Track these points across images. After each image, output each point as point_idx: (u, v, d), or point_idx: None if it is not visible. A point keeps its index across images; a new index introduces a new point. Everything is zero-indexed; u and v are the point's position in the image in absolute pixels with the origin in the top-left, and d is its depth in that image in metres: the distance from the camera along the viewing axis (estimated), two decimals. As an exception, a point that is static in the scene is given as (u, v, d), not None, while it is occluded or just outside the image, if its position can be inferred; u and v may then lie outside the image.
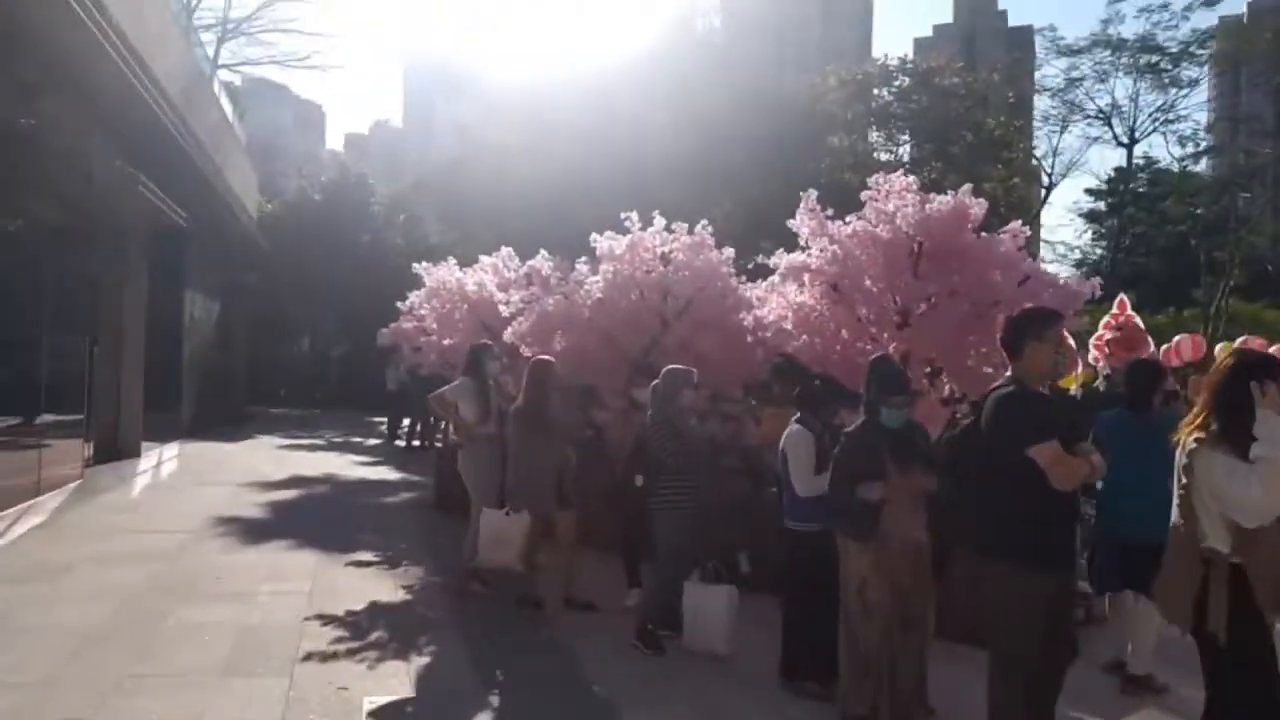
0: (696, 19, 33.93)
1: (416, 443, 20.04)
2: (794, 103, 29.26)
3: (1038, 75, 31.22)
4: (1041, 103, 31.97)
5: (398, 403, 21.87)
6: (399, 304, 13.61)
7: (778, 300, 8.41)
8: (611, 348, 9.28)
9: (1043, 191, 31.19)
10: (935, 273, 7.71)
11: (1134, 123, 31.12)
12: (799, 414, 6.23)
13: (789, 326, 8.15)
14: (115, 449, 15.31)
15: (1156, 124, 31.48)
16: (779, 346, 8.21)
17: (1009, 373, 4.57)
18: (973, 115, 28.81)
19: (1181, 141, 32.98)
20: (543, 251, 9.85)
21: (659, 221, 9.53)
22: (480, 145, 31.73)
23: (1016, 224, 8.34)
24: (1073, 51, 30.16)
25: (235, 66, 37.56)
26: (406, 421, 22.19)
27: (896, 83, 29.15)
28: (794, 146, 29.21)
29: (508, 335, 9.50)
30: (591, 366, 9.21)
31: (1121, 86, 29.93)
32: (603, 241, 9.51)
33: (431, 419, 20.80)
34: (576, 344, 9.22)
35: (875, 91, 28.79)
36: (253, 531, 10.25)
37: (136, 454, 15.93)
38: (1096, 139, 31.79)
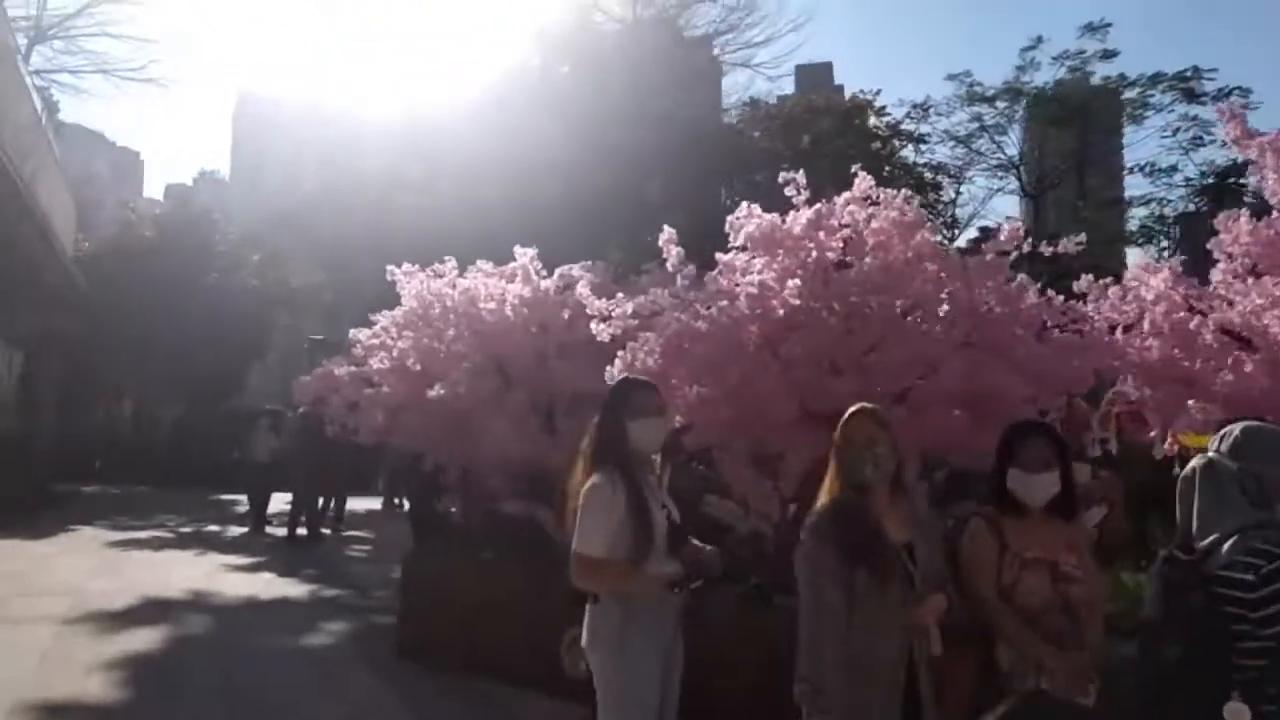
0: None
1: (302, 531, 14.83)
2: (710, 137, 26.20)
3: (946, 124, 28.99)
4: (939, 151, 29.94)
5: (269, 478, 16.55)
6: (371, 321, 8.73)
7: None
8: (792, 391, 5.13)
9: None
10: None
11: (1039, 173, 29.63)
12: None
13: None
14: None
15: (1062, 175, 30.07)
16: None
17: None
18: (897, 157, 26.42)
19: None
20: (668, 229, 5.60)
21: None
22: (354, 176, 26.79)
23: None
24: (984, 99, 28.26)
25: (51, 73, 30.65)
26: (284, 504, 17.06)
27: (819, 124, 26.39)
28: (714, 182, 26.05)
29: (616, 370, 5.15)
30: (770, 421, 5.07)
31: (1030, 135, 28.69)
32: (756, 219, 5.40)
33: (323, 500, 15.71)
34: (744, 384, 5.01)
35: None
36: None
37: (-109, 567, 10.34)
38: (998, 190, 30.19)
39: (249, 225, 32.72)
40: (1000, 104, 28.92)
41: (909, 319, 5.34)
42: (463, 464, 8.96)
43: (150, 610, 9.23)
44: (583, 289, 5.64)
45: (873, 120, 27.11)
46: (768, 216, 5.49)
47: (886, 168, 26.09)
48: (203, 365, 26.52)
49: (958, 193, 27.88)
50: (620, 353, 5.18)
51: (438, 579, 7.79)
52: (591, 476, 3.58)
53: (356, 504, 18.61)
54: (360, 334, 8.91)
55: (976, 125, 29.04)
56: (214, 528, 16.60)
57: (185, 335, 25.53)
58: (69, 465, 23.85)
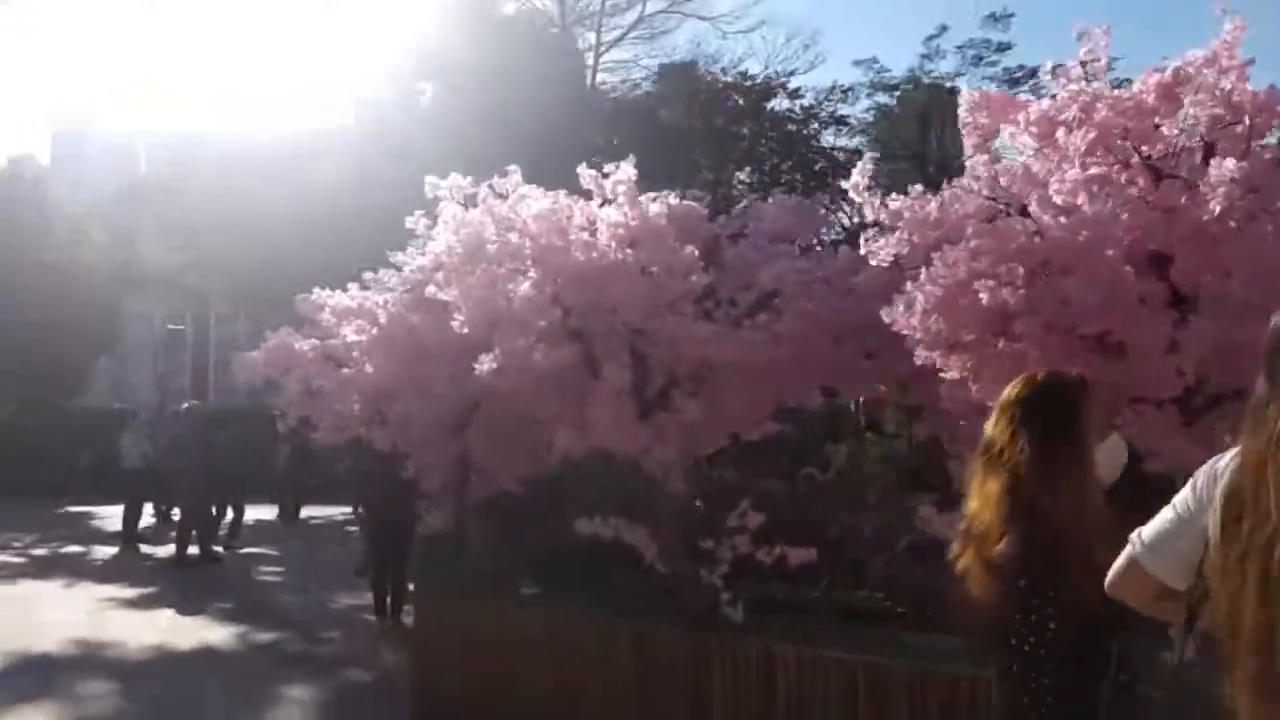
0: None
1: (193, 550, 11.90)
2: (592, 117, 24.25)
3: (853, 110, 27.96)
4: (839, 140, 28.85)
5: (141, 488, 13.49)
6: (400, 263, 6.09)
7: None
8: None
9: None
10: None
11: (943, 162, 29.10)
12: None
13: None
14: None
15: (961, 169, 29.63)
16: None
17: None
18: (811, 141, 25.14)
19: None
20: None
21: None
22: (209, 150, 23.28)
23: None
24: (889, 87, 27.42)
25: None
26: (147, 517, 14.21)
27: (728, 103, 24.86)
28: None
29: (902, 309, 3.12)
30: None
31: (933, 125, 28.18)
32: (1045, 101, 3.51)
33: (216, 508, 12.75)
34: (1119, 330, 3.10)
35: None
36: None
37: None
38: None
39: (86, 206, 28.30)
40: (897, 93, 28.21)
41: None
42: (471, 467, 6.71)
43: (22, 675, 6.50)
44: (859, 177, 3.56)
45: (786, 103, 25.77)
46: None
47: (805, 151, 24.85)
48: (39, 358, 22.48)
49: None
50: (911, 285, 3.16)
51: (467, 628, 5.52)
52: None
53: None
54: (327, 295, 6.47)
55: (878, 113, 28.29)
56: (75, 548, 13.34)
57: (17, 323, 21.52)
58: None
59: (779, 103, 25.55)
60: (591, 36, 26.92)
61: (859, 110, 28.01)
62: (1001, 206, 3.39)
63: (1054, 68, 3.62)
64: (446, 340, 5.51)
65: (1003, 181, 3.43)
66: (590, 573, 5.65)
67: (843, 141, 28.54)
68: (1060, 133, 3.37)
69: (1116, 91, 3.57)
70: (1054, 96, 3.58)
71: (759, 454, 7.66)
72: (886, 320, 3.30)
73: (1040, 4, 37.11)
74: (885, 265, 3.60)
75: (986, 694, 4.18)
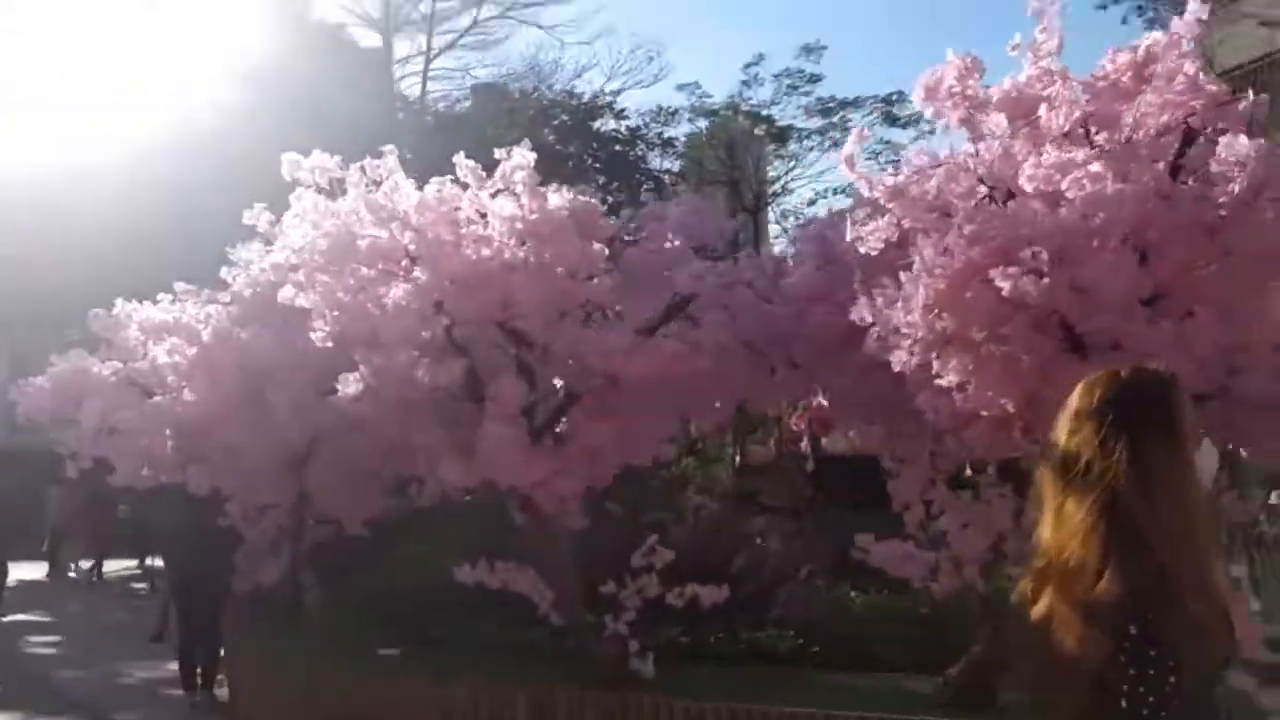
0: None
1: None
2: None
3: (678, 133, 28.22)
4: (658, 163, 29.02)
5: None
6: (244, 261, 5.02)
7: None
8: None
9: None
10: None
11: (756, 188, 29.78)
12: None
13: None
14: None
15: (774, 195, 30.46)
16: None
17: None
18: (638, 163, 24.98)
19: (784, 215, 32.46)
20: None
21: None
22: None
23: None
24: (710, 112, 27.86)
25: None
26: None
27: (554, 121, 24.42)
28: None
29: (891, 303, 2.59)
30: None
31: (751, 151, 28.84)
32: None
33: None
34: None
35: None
36: None
37: None
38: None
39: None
40: (715, 119, 28.73)
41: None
42: (310, 509, 5.78)
43: None
44: (854, 147, 2.89)
45: (612, 123, 25.60)
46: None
47: (633, 173, 24.77)
48: None
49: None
50: (904, 276, 2.67)
51: (310, 700, 4.61)
52: None
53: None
54: (133, 309, 5.39)
55: (693, 138, 28.74)
56: None
57: None
58: None
59: (605, 123, 25.39)
60: (423, 40, 25.77)
61: (682, 133, 28.34)
62: (987, 189, 3.00)
63: (1014, 45, 3.29)
64: (290, 359, 4.64)
65: (983, 162, 3.05)
66: (467, 628, 4.90)
67: (668, 165, 28.73)
68: (1043, 110, 3.02)
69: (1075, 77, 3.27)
70: (1014, 78, 3.25)
71: (629, 483, 7.09)
72: (866, 319, 2.83)
73: (846, 41, 38.95)
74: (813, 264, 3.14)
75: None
